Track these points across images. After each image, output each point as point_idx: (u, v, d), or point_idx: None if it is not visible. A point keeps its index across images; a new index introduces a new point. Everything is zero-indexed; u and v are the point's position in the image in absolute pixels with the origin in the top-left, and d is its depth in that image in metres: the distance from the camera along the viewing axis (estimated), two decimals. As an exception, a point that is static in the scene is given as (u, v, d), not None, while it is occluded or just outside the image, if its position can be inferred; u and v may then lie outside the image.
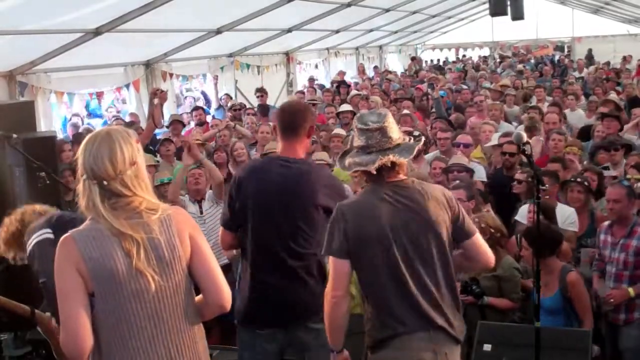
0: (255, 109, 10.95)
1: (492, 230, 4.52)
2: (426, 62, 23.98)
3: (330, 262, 2.99)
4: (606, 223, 4.69)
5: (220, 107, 11.91)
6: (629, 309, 4.44)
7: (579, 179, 5.30)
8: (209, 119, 10.57)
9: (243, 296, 3.53)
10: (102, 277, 2.28)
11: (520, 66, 19.08)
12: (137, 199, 2.36)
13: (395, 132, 2.98)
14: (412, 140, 3.11)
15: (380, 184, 2.97)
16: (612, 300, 4.41)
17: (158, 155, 7.49)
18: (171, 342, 2.39)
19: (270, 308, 3.45)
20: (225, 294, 2.47)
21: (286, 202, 3.38)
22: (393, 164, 2.92)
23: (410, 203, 2.92)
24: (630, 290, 4.39)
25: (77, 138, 7.37)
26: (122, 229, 2.30)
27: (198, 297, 2.50)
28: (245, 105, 11.86)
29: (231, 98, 12.27)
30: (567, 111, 9.74)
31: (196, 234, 2.46)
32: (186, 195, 5.84)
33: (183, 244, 2.40)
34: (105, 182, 2.32)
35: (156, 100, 6.26)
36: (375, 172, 2.93)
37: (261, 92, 11.64)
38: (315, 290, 3.38)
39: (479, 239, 3.07)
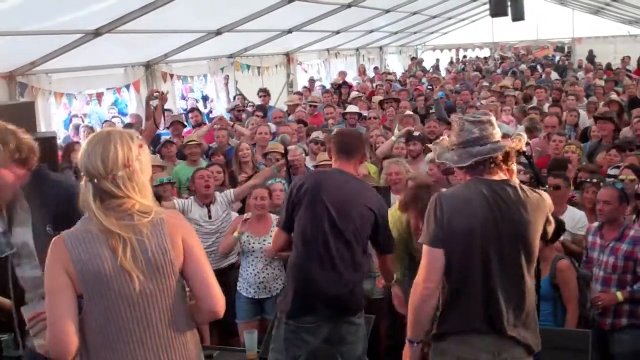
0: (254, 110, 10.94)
1: None
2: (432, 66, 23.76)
3: (424, 252, 2.88)
4: (595, 224, 4.61)
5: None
6: (617, 314, 4.33)
7: (594, 180, 5.26)
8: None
9: (295, 289, 3.70)
10: (89, 278, 2.27)
11: (523, 66, 19.06)
12: (129, 201, 2.34)
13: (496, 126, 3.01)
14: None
15: (479, 179, 2.91)
16: (599, 302, 4.31)
17: (158, 156, 7.47)
18: (161, 346, 2.36)
19: (323, 300, 3.65)
20: (219, 300, 2.43)
21: (344, 202, 3.73)
22: (493, 159, 2.89)
23: (505, 204, 2.85)
24: (619, 294, 4.28)
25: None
26: (111, 227, 2.28)
27: (191, 302, 2.47)
28: (253, 104, 11.80)
29: (244, 98, 12.22)
30: (567, 112, 9.73)
31: (190, 238, 2.42)
32: (191, 197, 5.68)
33: (175, 248, 2.36)
34: (96, 180, 2.32)
35: (155, 102, 6.24)
36: (499, 160, 2.90)
37: (264, 92, 11.61)
38: (360, 286, 3.83)
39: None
